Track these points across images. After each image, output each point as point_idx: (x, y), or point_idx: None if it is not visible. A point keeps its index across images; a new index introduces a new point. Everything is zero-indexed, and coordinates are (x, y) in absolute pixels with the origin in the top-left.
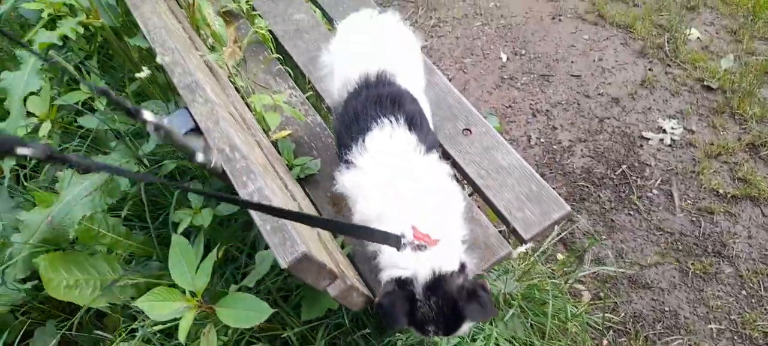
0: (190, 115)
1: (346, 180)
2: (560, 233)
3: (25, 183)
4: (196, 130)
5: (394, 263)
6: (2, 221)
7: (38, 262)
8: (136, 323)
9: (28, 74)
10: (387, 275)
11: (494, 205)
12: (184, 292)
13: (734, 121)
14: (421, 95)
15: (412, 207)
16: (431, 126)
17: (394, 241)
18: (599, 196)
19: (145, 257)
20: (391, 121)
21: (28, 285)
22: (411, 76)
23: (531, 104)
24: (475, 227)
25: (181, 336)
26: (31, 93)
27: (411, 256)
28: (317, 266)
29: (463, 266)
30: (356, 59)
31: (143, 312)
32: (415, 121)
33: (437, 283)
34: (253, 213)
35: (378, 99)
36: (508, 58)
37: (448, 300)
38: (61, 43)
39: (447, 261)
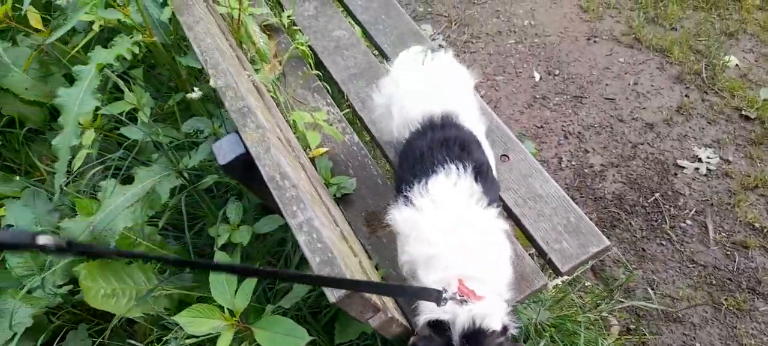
0: (241, 139)
1: (401, 216)
2: (589, 263)
3: (64, 188)
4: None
5: (433, 307)
6: (41, 226)
7: (78, 270)
8: (171, 334)
9: (84, 92)
10: (424, 318)
11: (531, 235)
12: (222, 309)
13: None
14: (483, 140)
15: (465, 259)
16: (495, 174)
17: (435, 296)
18: (630, 223)
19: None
20: (458, 168)
21: (64, 289)
22: (472, 117)
23: (563, 126)
24: None
25: None
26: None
27: (452, 303)
28: (364, 300)
29: (505, 329)
30: (416, 99)
31: (177, 323)
32: (482, 171)
33: (476, 335)
34: (303, 243)
35: (445, 143)
36: (541, 78)
37: None
38: (117, 64)
39: (490, 317)
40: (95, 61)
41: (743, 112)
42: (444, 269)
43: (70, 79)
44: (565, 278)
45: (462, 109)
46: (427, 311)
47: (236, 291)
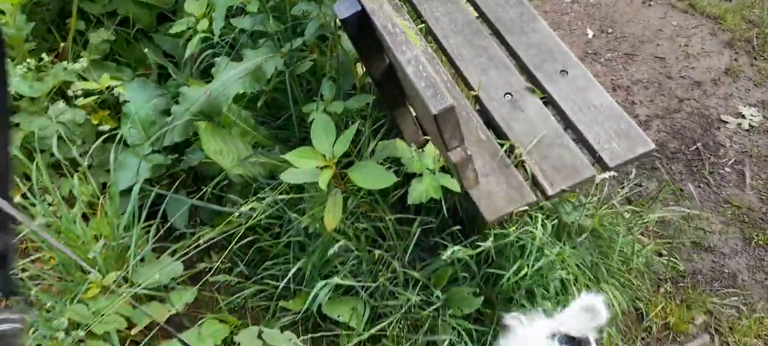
0: (358, 0)
1: None
2: (628, 193)
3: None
4: None
5: None
6: (151, 101)
7: (199, 125)
8: (267, 190)
9: None
10: None
11: (585, 137)
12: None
13: None
14: None
15: None
16: None
17: None
18: (671, 168)
19: (267, 147)
20: None
21: (170, 158)
22: None
23: (612, 79)
24: (563, 153)
25: (322, 185)
26: None
27: None
28: (456, 121)
29: None
30: None
31: (268, 186)
32: None
33: None
34: (411, 74)
35: None
36: (594, 35)
37: None
38: None
39: None
40: None
41: None
42: None
43: None
44: (613, 173)
45: None
46: None
47: (335, 141)
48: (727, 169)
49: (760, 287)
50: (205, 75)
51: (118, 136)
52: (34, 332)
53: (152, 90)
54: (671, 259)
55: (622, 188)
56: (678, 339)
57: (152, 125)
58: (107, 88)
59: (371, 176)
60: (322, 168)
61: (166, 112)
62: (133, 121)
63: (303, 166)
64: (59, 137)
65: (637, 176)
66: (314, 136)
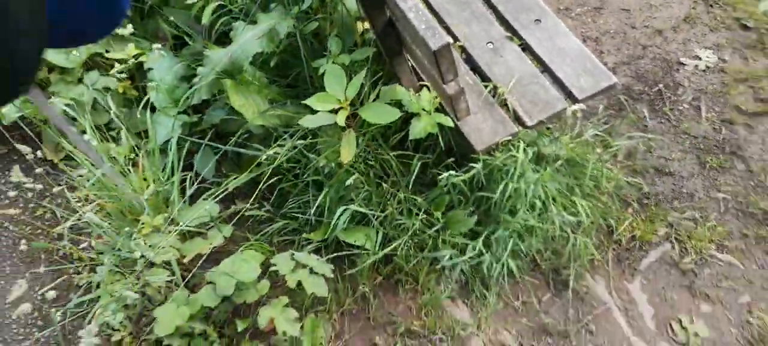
0: None
1: None
2: (597, 133)
3: (191, 42)
4: None
5: None
6: (173, 69)
7: (225, 82)
8: (286, 138)
9: None
10: None
11: (556, 75)
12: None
13: (764, 55)
14: None
15: None
16: None
17: None
18: (636, 107)
19: (280, 102)
20: None
21: (195, 117)
22: None
23: (582, 32)
24: (539, 90)
25: (340, 122)
26: None
27: None
28: (452, 57)
29: None
30: None
31: (286, 135)
32: None
33: None
34: (412, 18)
35: None
36: None
37: None
38: None
39: None
40: None
41: (743, 22)
42: None
43: None
44: (582, 106)
45: None
46: None
47: (347, 86)
48: (686, 105)
49: (713, 202)
50: (219, 42)
51: (147, 101)
52: (116, 250)
53: (172, 58)
54: (635, 181)
55: (592, 123)
56: (643, 248)
57: (175, 89)
58: (133, 57)
59: (379, 113)
60: (337, 110)
61: (186, 78)
62: (158, 87)
63: (321, 108)
64: (94, 104)
65: (605, 115)
66: (328, 84)
